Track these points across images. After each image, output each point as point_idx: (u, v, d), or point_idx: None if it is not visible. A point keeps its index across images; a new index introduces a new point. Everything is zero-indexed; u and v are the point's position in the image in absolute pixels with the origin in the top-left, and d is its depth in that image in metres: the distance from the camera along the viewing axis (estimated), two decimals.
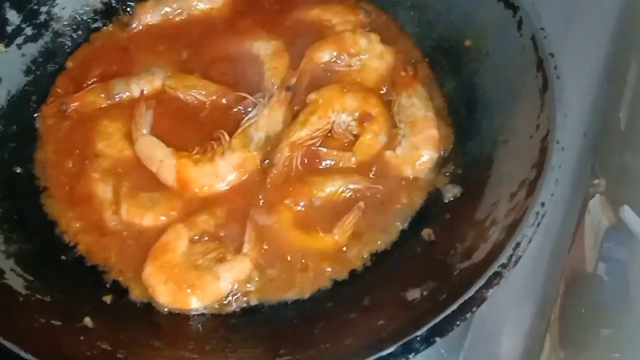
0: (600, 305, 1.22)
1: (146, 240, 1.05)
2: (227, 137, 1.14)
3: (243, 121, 1.16)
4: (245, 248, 1.04)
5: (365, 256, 1.06)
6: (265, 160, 1.13)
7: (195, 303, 0.99)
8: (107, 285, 1.02)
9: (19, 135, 1.17)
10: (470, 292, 0.79)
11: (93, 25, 1.33)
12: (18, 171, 1.13)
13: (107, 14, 1.34)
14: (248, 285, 1.02)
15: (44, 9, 1.26)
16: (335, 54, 1.25)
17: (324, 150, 1.15)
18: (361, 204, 1.09)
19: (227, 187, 1.12)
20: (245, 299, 1.01)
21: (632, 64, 1.43)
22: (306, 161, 1.15)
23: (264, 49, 1.27)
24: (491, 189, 1.00)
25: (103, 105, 1.21)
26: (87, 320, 0.92)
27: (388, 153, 1.15)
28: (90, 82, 1.24)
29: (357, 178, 1.13)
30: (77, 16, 1.31)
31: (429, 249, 1.02)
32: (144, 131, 1.16)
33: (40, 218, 1.09)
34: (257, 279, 1.03)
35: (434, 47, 1.27)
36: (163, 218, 1.08)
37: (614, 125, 1.39)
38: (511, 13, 1.08)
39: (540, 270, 1.18)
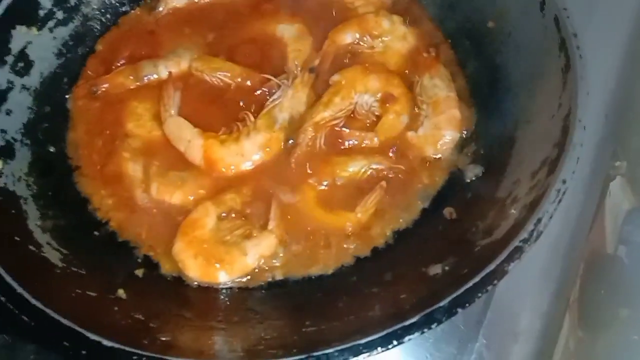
0: (620, 287, 1.22)
1: (175, 218, 1.08)
2: (252, 118, 1.16)
3: (267, 102, 1.18)
4: (271, 225, 1.07)
5: (387, 234, 1.08)
6: (289, 141, 1.16)
7: (223, 277, 1.02)
8: (139, 260, 1.06)
9: (52, 115, 1.20)
10: (492, 266, 0.81)
11: (121, 9, 1.36)
12: (51, 150, 1.17)
13: None
14: (273, 260, 1.05)
15: None
16: (357, 35, 1.27)
17: (347, 130, 1.17)
18: (383, 183, 1.11)
19: (253, 167, 1.14)
20: (271, 273, 1.04)
21: None
22: (329, 141, 1.17)
23: (288, 31, 1.29)
24: (513, 168, 1.02)
25: (132, 87, 1.24)
26: (121, 292, 0.95)
27: (410, 133, 1.17)
28: (119, 64, 1.27)
29: (380, 158, 1.15)
30: (106, 0, 1.34)
31: (450, 227, 1.03)
32: (172, 112, 1.18)
33: (74, 195, 1.13)
34: (282, 254, 1.06)
35: (456, 28, 1.27)
36: (191, 196, 1.11)
37: (636, 107, 1.38)
38: None
39: (560, 251, 1.19)
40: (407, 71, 1.24)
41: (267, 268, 1.05)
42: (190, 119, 1.17)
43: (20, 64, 1.17)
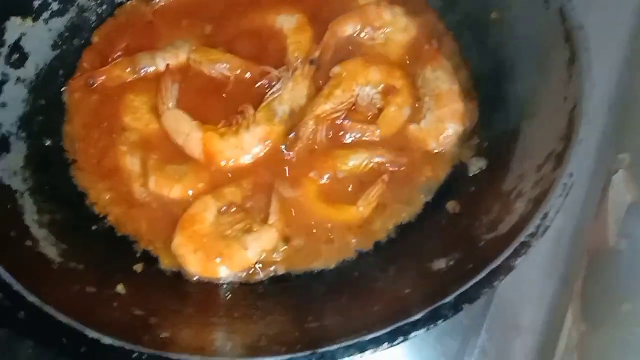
0: (622, 280, 1.21)
1: (174, 212, 1.07)
2: (252, 111, 1.14)
3: (267, 95, 1.16)
4: (271, 219, 1.06)
5: (389, 228, 1.07)
6: (289, 134, 1.14)
7: (224, 272, 1.01)
8: (138, 255, 1.05)
9: (48, 108, 1.18)
10: (498, 261, 0.79)
11: (117, 0, 1.33)
12: (47, 144, 1.15)
13: None
14: (275, 255, 1.04)
15: None
16: (358, 27, 1.25)
17: (348, 123, 1.16)
18: (385, 176, 1.10)
19: (253, 160, 1.13)
20: (272, 268, 1.03)
21: None
22: (330, 134, 1.15)
23: (287, 22, 1.27)
24: (517, 162, 1.00)
25: (129, 79, 1.22)
26: (120, 288, 0.94)
27: (412, 126, 1.16)
28: (115, 57, 1.25)
29: (381, 151, 1.13)
30: None
31: (453, 221, 1.02)
32: (170, 105, 1.17)
33: (71, 189, 1.11)
34: (283, 249, 1.05)
35: (458, 19, 1.25)
36: (190, 190, 1.09)
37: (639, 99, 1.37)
38: None
39: (563, 245, 1.19)
40: (408, 63, 1.22)
41: (268, 262, 1.04)
42: (189, 112, 1.16)
43: (15, 56, 1.15)
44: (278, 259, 1.04)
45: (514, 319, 1.14)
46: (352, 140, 1.15)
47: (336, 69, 1.19)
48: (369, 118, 1.17)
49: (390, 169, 1.12)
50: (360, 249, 1.05)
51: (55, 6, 1.24)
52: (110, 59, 1.25)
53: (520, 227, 0.84)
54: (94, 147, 1.16)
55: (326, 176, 1.11)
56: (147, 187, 1.10)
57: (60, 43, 1.25)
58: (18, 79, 1.15)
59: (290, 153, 1.12)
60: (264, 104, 1.15)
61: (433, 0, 1.30)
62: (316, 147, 1.14)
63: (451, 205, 1.06)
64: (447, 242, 0.97)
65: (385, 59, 1.22)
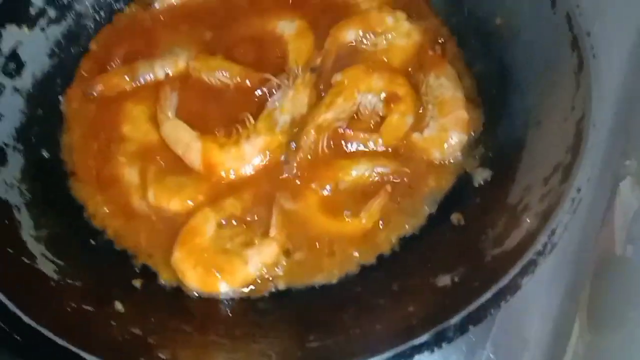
0: (630, 289, 1.20)
1: (174, 224, 1.05)
2: (252, 120, 1.12)
3: (267, 103, 1.14)
4: (272, 232, 1.04)
5: (393, 241, 1.05)
6: (290, 144, 1.12)
7: (224, 287, 0.99)
8: (137, 270, 1.03)
9: (45, 118, 1.17)
10: (505, 280, 0.77)
11: (116, 6, 1.32)
12: (45, 155, 1.14)
13: None
14: (276, 269, 1.02)
15: None
16: (360, 33, 1.23)
17: (350, 132, 1.14)
18: (388, 187, 1.08)
19: (253, 171, 1.11)
20: (273, 283, 1.01)
21: None
22: (332, 144, 1.13)
23: (288, 28, 1.25)
24: (523, 173, 0.98)
25: (128, 88, 1.20)
26: (118, 305, 0.92)
27: (415, 135, 1.13)
28: (114, 64, 1.23)
29: (384, 161, 1.11)
30: None
31: (458, 234, 1.00)
32: (170, 114, 1.15)
33: (69, 202, 1.10)
34: (284, 263, 1.03)
35: (463, 25, 1.23)
36: (190, 202, 1.08)
37: None
38: None
39: (570, 253, 1.16)
40: (411, 70, 1.20)
41: (269, 277, 1.02)
42: (188, 121, 1.14)
43: (11, 65, 1.14)
44: (280, 274, 1.02)
45: (520, 331, 1.12)
46: (354, 150, 1.13)
47: (338, 77, 1.17)
48: (371, 127, 1.15)
49: (393, 179, 1.09)
50: (363, 262, 1.03)
51: (52, 13, 1.22)
52: (108, 67, 1.23)
53: (528, 243, 0.82)
54: (93, 158, 1.14)
55: (328, 187, 1.09)
56: (146, 199, 1.08)
57: (57, 51, 1.23)
58: (14, 88, 1.14)
59: (289, 169, 1.09)
60: (264, 113, 1.13)
61: (437, 5, 1.28)
62: (318, 157, 1.12)
63: (456, 217, 1.03)
64: (452, 257, 0.94)
65: (388, 66, 1.20)
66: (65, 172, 1.13)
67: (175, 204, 1.08)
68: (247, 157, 1.11)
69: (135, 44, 1.28)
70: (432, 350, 0.74)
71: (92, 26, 1.29)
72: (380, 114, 1.15)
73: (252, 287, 1.01)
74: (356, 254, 1.04)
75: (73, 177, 1.13)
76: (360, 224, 1.06)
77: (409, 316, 0.84)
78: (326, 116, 1.13)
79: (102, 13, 1.30)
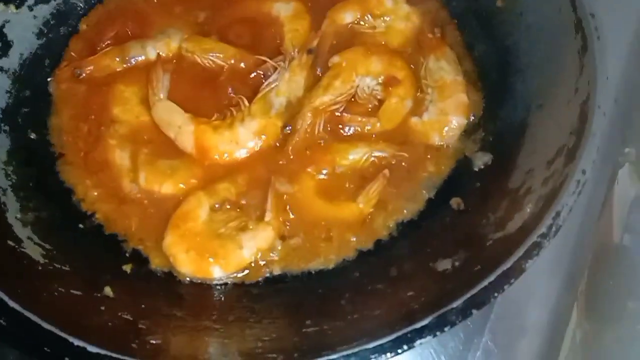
0: (627, 278, 1.19)
1: (166, 209, 1.03)
2: (247, 103, 1.10)
3: (263, 86, 1.12)
4: (267, 216, 1.01)
5: (391, 225, 1.03)
6: (286, 127, 1.10)
7: (217, 272, 0.96)
8: (127, 254, 1.00)
9: (33, 100, 1.14)
10: (509, 263, 0.75)
11: None
12: (33, 137, 1.11)
13: None
14: (271, 254, 1.00)
15: None
16: (358, 15, 1.21)
17: (348, 115, 1.12)
18: (386, 171, 1.06)
19: (248, 155, 1.09)
20: (268, 268, 0.99)
21: None
22: (329, 127, 1.11)
23: (284, 10, 1.23)
24: (525, 156, 0.96)
25: (118, 69, 1.18)
26: (108, 290, 0.90)
27: (414, 119, 1.11)
28: (104, 45, 1.21)
29: (382, 145, 1.09)
30: None
31: (458, 219, 0.98)
32: (161, 96, 1.12)
33: (57, 185, 1.07)
34: (280, 248, 1.01)
35: (463, 7, 1.21)
36: (182, 186, 1.05)
37: None
38: None
39: (568, 242, 1.15)
40: (410, 53, 1.18)
41: (264, 262, 1.00)
42: (181, 104, 1.11)
43: None
44: (275, 258, 1.00)
45: (518, 319, 1.11)
46: (352, 133, 1.11)
47: (335, 59, 1.15)
48: (369, 110, 1.13)
49: (391, 164, 1.07)
50: (361, 247, 1.01)
51: None
52: (98, 48, 1.20)
53: (531, 226, 0.80)
54: (82, 141, 1.12)
55: (324, 171, 1.07)
56: (137, 182, 1.06)
57: (45, 31, 1.20)
58: (1, 69, 1.11)
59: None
60: (259, 95, 1.11)
61: None
62: (314, 140, 1.09)
63: (455, 202, 1.02)
64: (452, 242, 0.93)
65: (387, 49, 1.18)
66: (53, 155, 1.10)
67: (167, 188, 1.05)
68: (242, 141, 1.08)
69: (126, 25, 1.25)
70: (435, 335, 0.71)
71: (82, 6, 1.26)
72: (379, 97, 1.13)
73: (246, 271, 0.98)
74: (353, 239, 1.02)
75: (61, 159, 1.10)
76: (358, 209, 1.03)
77: (409, 300, 0.81)
78: (323, 99, 1.11)
79: None
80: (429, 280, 0.87)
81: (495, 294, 0.74)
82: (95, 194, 1.06)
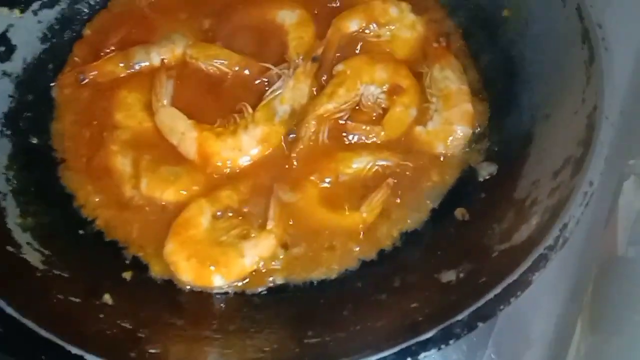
0: (632, 290, 1.18)
1: (167, 216, 1.02)
2: (250, 110, 1.10)
3: (267, 93, 1.12)
4: (270, 225, 1.00)
5: (394, 235, 1.02)
6: (290, 134, 1.09)
7: (218, 281, 0.95)
8: (127, 261, 0.99)
9: (35, 104, 1.13)
10: (515, 275, 0.74)
11: None
12: (34, 142, 1.10)
13: None
14: (273, 263, 0.99)
15: None
16: (364, 23, 1.21)
17: (352, 124, 1.11)
18: (390, 180, 1.05)
19: (251, 162, 1.08)
20: (270, 277, 0.98)
21: None
22: (333, 135, 1.10)
23: (289, 17, 1.22)
24: (531, 167, 0.96)
25: (122, 75, 1.17)
26: (107, 297, 0.89)
27: (419, 128, 1.11)
28: (108, 51, 1.20)
29: (386, 154, 1.08)
30: None
31: (463, 230, 0.98)
32: (165, 102, 1.11)
33: (58, 191, 1.06)
34: (282, 257, 0.99)
35: (468, 17, 1.21)
36: (184, 193, 1.04)
37: None
38: None
39: (573, 254, 1.14)
40: (415, 61, 1.18)
41: (266, 271, 0.98)
42: (184, 110, 1.11)
43: (1, 49, 1.11)
44: (277, 268, 0.99)
45: (522, 331, 1.10)
46: (356, 141, 1.10)
47: (340, 67, 1.14)
48: (373, 119, 1.12)
49: (395, 173, 1.07)
50: (364, 257, 1.00)
51: None
52: (102, 53, 1.20)
53: (538, 238, 0.79)
54: (84, 146, 1.11)
55: (328, 179, 1.06)
56: (138, 189, 1.05)
57: (50, 36, 1.20)
58: (4, 73, 1.11)
59: None
60: (263, 102, 1.10)
61: None
62: (318, 148, 1.09)
63: (460, 213, 1.01)
64: (456, 252, 0.92)
65: (391, 57, 1.17)
66: (54, 160, 1.09)
67: (169, 195, 1.04)
68: (245, 148, 1.07)
69: (130, 30, 1.24)
70: (439, 348, 0.70)
71: (87, 11, 1.26)
72: (383, 106, 1.13)
73: (247, 281, 0.97)
74: (356, 248, 1.01)
75: (63, 165, 1.09)
76: (361, 218, 1.02)
77: (412, 312, 0.80)
78: (327, 107, 1.10)
79: None
80: (433, 291, 0.85)
81: (502, 307, 0.73)
82: (97, 200, 1.05)
